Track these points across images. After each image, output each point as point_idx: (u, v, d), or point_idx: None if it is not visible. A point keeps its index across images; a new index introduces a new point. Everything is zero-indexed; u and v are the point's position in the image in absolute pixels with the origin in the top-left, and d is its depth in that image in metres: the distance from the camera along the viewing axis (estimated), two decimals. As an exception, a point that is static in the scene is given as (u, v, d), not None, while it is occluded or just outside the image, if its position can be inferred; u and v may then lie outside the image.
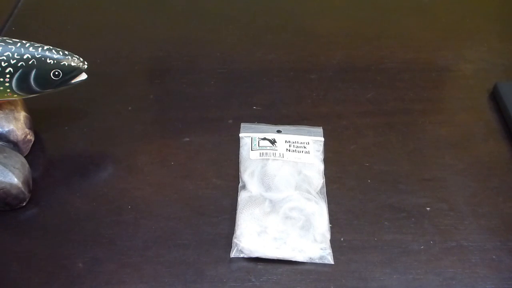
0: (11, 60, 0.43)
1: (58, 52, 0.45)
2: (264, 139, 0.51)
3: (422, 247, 0.44)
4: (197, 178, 0.50)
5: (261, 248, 0.42)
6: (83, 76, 0.47)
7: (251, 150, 0.50)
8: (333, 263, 0.43)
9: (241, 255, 0.43)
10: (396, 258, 0.43)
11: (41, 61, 0.44)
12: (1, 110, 0.49)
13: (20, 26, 0.68)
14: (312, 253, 0.43)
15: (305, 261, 0.43)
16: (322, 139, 0.52)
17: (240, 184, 0.48)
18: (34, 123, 0.52)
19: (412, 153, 0.52)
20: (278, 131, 0.52)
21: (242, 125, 0.53)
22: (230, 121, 0.55)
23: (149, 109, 0.57)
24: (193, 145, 0.53)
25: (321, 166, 0.49)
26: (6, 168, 0.44)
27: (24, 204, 0.46)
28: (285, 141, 0.51)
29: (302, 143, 0.51)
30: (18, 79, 0.44)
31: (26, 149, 0.51)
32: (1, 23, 0.68)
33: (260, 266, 0.43)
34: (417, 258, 0.43)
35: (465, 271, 0.43)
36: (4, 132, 0.48)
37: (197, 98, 0.58)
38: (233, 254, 0.43)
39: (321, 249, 0.43)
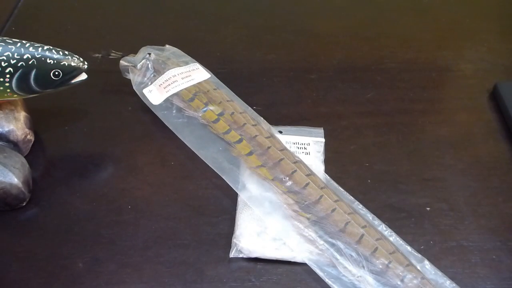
0: (11, 60, 0.43)
1: (58, 52, 0.45)
2: (264, 139, 0.51)
3: (422, 247, 0.44)
4: (197, 178, 0.50)
5: (260, 249, 0.42)
6: (83, 76, 0.47)
7: (251, 150, 0.50)
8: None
9: (241, 255, 0.43)
10: (396, 258, 0.43)
11: (41, 61, 0.44)
12: (1, 110, 0.49)
13: (20, 26, 0.68)
14: (312, 254, 0.43)
15: (305, 261, 0.43)
16: (323, 140, 0.52)
17: (240, 184, 0.48)
18: (34, 123, 0.52)
19: (412, 153, 0.52)
20: (280, 132, 0.52)
21: (242, 125, 0.53)
22: (230, 121, 0.55)
23: (149, 109, 0.57)
24: (193, 145, 0.53)
25: (321, 167, 0.49)
26: (6, 168, 0.44)
27: (24, 204, 0.46)
28: (286, 142, 0.50)
29: (302, 144, 0.51)
30: (18, 79, 0.44)
31: (26, 149, 0.51)
32: (1, 23, 0.68)
33: (260, 266, 0.43)
34: (417, 258, 0.43)
35: (465, 271, 0.43)
36: (4, 132, 0.48)
37: (197, 98, 0.58)
38: (232, 254, 0.43)
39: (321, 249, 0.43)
